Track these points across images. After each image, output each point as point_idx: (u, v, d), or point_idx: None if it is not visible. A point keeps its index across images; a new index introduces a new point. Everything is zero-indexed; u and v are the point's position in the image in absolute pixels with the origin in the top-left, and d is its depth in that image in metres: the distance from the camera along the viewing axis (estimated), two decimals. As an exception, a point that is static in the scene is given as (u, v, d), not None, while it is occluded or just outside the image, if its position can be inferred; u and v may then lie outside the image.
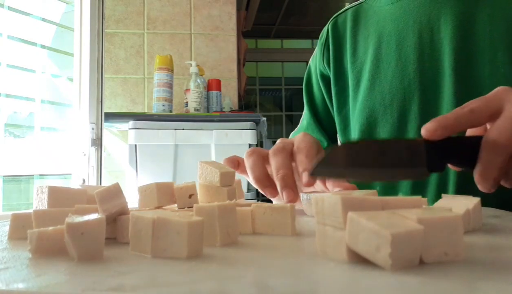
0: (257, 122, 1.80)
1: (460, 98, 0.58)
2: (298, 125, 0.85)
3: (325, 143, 0.78)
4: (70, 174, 1.65)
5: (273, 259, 0.24)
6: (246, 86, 2.57)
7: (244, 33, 2.52)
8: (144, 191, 0.31)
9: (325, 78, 0.77)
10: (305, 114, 0.83)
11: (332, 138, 0.78)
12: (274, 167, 0.49)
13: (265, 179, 0.51)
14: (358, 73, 0.70)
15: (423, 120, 0.60)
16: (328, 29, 0.77)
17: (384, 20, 0.68)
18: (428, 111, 0.61)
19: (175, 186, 0.32)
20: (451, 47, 0.60)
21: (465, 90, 0.58)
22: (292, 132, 0.85)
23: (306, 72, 0.83)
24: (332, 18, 0.78)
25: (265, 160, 0.52)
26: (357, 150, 0.37)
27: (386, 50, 0.66)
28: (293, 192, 0.46)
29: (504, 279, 0.19)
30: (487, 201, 0.53)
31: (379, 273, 0.20)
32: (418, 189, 0.61)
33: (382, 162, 0.35)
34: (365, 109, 0.67)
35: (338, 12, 0.78)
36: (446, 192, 0.59)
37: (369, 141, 0.44)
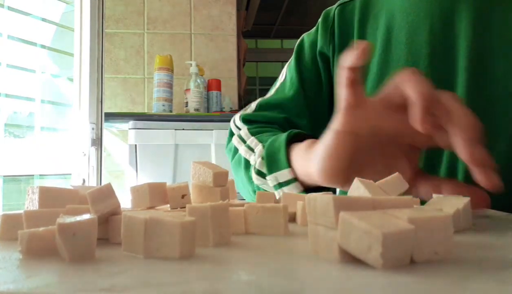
0: (257, 122, 1.80)
1: (472, 98, 0.55)
2: (273, 91, 0.74)
3: (305, 129, 0.65)
4: (70, 174, 1.65)
5: (266, 259, 0.24)
6: (246, 86, 2.57)
7: (244, 33, 2.52)
8: (136, 191, 0.30)
9: (324, 58, 0.71)
10: (291, 82, 0.72)
11: (315, 123, 0.70)
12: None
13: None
14: (365, 67, 0.65)
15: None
16: (334, 14, 0.71)
17: (394, 12, 0.64)
18: None
19: (168, 186, 0.31)
20: (466, 44, 0.56)
21: (478, 90, 0.55)
22: (262, 98, 0.74)
23: (297, 45, 0.75)
24: (338, 3, 0.72)
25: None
26: None
27: (396, 45, 0.62)
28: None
29: (493, 278, 0.19)
30: None
31: (371, 272, 0.20)
32: None
33: None
34: None
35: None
36: None
37: None
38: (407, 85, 0.36)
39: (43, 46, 1.64)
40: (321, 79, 0.72)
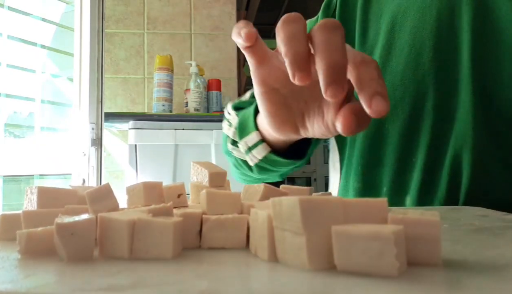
0: (257, 122, 1.80)
1: (477, 94, 0.52)
2: None
3: None
4: (70, 174, 1.65)
5: (261, 260, 0.24)
6: (246, 86, 2.57)
7: (244, 33, 2.51)
8: (131, 190, 0.30)
9: None
10: None
11: None
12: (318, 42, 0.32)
13: (305, 59, 0.32)
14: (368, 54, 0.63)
15: (438, 119, 0.55)
16: (337, 0, 0.68)
17: None
18: (444, 109, 0.55)
19: (164, 185, 0.31)
20: (470, 33, 0.53)
21: (483, 85, 0.53)
22: None
23: None
24: None
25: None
26: None
27: (399, 34, 0.59)
28: (341, 87, 0.30)
29: (491, 277, 0.19)
30: (476, 201, 0.52)
31: (352, 279, 0.19)
32: (427, 192, 0.55)
33: None
34: None
35: None
36: (457, 197, 0.53)
37: None
38: (280, 40, 0.33)
39: (43, 46, 1.64)
40: None
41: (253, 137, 0.54)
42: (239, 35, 0.35)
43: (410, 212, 0.22)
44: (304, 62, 0.31)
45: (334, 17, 0.67)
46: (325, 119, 0.40)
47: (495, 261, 0.22)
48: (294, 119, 0.43)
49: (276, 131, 0.44)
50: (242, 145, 0.56)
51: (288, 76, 0.32)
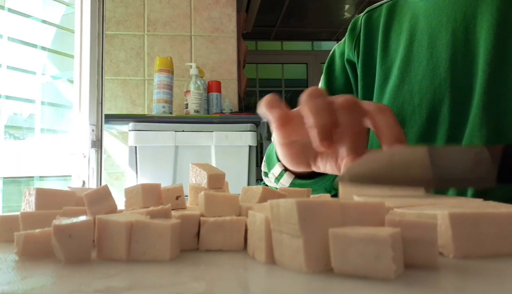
0: (257, 124, 1.80)
1: (489, 102, 0.55)
2: None
3: None
4: (70, 176, 1.65)
5: (258, 262, 0.24)
6: (246, 88, 2.57)
7: (244, 35, 2.52)
8: (129, 192, 0.30)
9: (352, 64, 0.74)
10: None
11: None
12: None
13: (330, 130, 0.38)
14: (387, 70, 0.67)
15: (453, 123, 0.58)
16: (361, 22, 0.73)
17: (417, 16, 0.65)
18: (459, 114, 0.58)
19: (162, 187, 0.31)
20: (485, 48, 0.56)
21: (496, 94, 0.55)
22: None
23: (329, 57, 0.79)
24: (366, 10, 0.74)
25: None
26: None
27: (418, 48, 0.64)
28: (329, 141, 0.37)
29: (487, 279, 0.19)
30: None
31: (349, 282, 0.19)
32: (438, 192, 0.57)
33: (438, 168, 0.32)
34: (392, 108, 0.64)
35: (373, 6, 0.74)
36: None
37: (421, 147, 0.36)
38: (304, 110, 0.40)
39: (43, 48, 1.64)
40: (350, 87, 0.75)
41: (277, 169, 0.61)
42: (269, 117, 0.44)
43: (407, 215, 0.22)
44: (329, 133, 0.37)
45: (359, 38, 0.73)
46: (338, 162, 0.47)
47: (492, 264, 0.22)
48: (307, 161, 0.50)
49: (291, 168, 0.53)
50: (271, 177, 0.63)
51: (307, 132, 0.39)
